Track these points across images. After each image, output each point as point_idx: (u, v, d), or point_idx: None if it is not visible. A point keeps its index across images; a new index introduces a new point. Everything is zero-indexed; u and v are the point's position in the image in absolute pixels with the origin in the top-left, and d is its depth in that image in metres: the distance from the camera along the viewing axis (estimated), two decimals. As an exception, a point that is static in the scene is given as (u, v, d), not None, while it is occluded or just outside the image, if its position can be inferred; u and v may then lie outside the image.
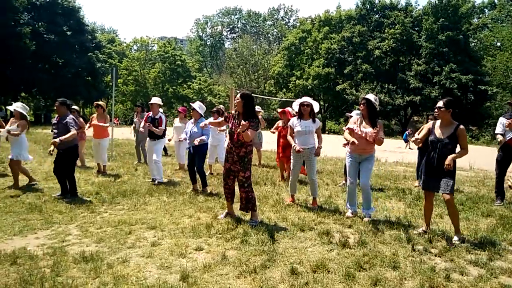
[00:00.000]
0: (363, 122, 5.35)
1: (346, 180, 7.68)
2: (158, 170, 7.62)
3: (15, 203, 5.90)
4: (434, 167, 4.50)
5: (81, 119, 9.38)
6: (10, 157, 7.05)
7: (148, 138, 7.91)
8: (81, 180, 7.71)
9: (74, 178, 6.41)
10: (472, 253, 4.09)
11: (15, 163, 6.99)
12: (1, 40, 26.67)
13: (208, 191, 6.93)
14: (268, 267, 3.64)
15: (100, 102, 9.06)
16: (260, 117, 8.56)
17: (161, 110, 8.02)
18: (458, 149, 4.53)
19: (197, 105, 6.99)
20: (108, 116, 9.24)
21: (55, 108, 6.51)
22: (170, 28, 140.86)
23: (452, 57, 33.85)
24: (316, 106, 6.02)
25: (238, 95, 4.96)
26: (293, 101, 7.12)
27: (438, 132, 4.55)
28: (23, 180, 7.30)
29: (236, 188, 5.23)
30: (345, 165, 7.79)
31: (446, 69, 32.96)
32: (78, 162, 9.19)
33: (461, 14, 35.28)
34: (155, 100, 7.81)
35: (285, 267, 3.64)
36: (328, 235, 4.56)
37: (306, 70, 39.83)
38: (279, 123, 8.25)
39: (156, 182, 7.55)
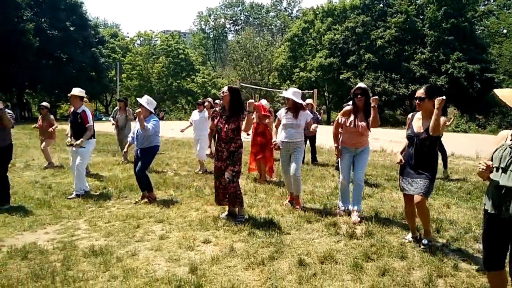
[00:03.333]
0: (358, 115, 4.89)
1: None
2: (80, 179, 6.24)
3: (24, 199, 5.95)
4: (411, 167, 3.91)
5: (51, 116, 9.29)
6: None
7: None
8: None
9: (7, 182, 5.64)
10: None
11: None
12: (5, 37, 26.68)
13: (155, 196, 5.98)
14: (276, 259, 3.66)
15: (44, 103, 8.83)
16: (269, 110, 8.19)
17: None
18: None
19: (144, 101, 5.87)
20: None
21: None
22: (173, 21, 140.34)
23: (457, 45, 33.44)
24: (294, 97, 5.33)
25: (225, 88, 4.84)
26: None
27: (416, 125, 3.92)
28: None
29: None
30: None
31: (453, 57, 32.60)
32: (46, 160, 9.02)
33: (465, 1, 34.77)
34: (76, 91, 6.35)
35: (292, 259, 3.66)
36: (335, 227, 4.57)
37: (309, 62, 39.61)
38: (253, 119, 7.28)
39: (74, 195, 6.12)
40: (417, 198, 3.81)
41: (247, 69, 45.04)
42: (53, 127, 9.11)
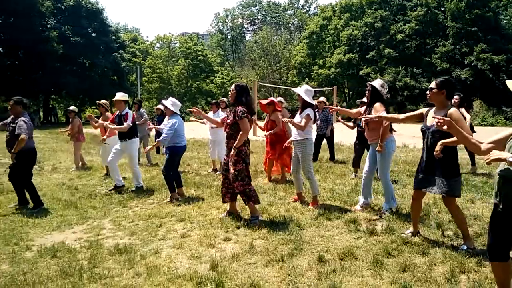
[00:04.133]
0: (367, 110, 5.04)
1: (355, 172, 7.55)
2: (136, 176, 6.87)
3: (51, 200, 6.19)
4: (424, 161, 3.86)
5: (77, 120, 9.44)
6: None
7: (118, 139, 6.94)
8: (108, 178, 7.97)
9: (32, 186, 5.77)
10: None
11: None
12: (31, 45, 27.68)
13: (176, 198, 6.05)
14: (295, 256, 3.69)
15: (102, 101, 8.56)
16: (284, 108, 8.17)
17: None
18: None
19: (169, 103, 6.22)
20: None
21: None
22: (191, 23, 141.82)
23: (482, 36, 32.45)
24: (304, 94, 5.32)
25: (233, 86, 4.85)
26: (317, 90, 6.76)
27: (429, 119, 3.84)
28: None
29: None
30: (353, 157, 7.64)
31: (477, 48, 31.66)
32: (74, 163, 9.32)
33: (489, -10, 33.72)
34: (119, 96, 6.95)
35: (312, 255, 3.68)
36: (355, 223, 4.56)
37: (328, 59, 39.29)
38: (266, 118, 7.32)
39: (123, 185, 6.84)
40: (444, 199, 3.83)
41: (266, 68, 45.02)
42: (79, 130, 9.31)
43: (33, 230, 4.77)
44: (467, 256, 3.51)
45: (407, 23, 35.62)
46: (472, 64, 31.81)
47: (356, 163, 7.57)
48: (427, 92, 3.90)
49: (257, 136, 14.93)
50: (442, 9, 35.75)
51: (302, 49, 43.11)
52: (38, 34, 28.44)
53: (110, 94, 35.12)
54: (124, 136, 6.76)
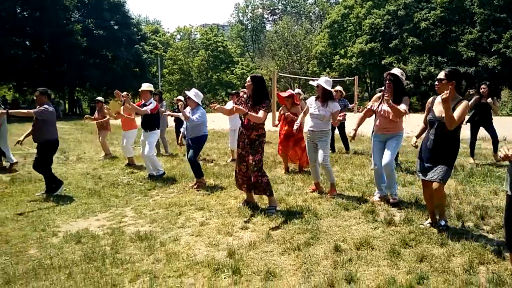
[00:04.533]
0: (384, 99, 4.81)
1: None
2: (153, 164, 7.08)
3: (76, 189, 6.41)
4: (429, 151, 3.86)
5: (104, 109, 9.67)
6: None
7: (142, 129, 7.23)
8: (133, 167, 8.18)
9: (51, 173, 6.07)
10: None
11: None
12: (56, 39, 28.39)
13: (203, 183, 6.30)
14: (312, 245, 3.71)
15: (124, 93, 8.33)
16: (301, 100, 8.17)
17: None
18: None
19: (193, 93, 6.34)
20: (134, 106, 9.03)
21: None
22: (211, 14, 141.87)
23: (511, 23, 31.17)
24: (325, 84, 5.29)
25: (249, 78, 4.83)
26: (337, 80, 6.63)
27: (438, 109, 3.83)
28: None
29: None
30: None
31: (506, 36, 30.43)
32: (102, 152, 9.68)
33: (520, -26, 32.23)
34: (145, 86, 7.28)
35: (328, 245, 3.70)
36: (373, 214, 4.54)
37: (350, 48, 38.66)
38: (281, 110, 7.27)
39: (154, 175, 7.03)
40: (435, 185, 3.82)
41: (286, 59, 44.74)
42: (106, 119, 9.56)
43: (59, 217, 4.96)
44: (487, 248, 3.46)
45: (432, 10, 34.54)
46: (500, 51, 30.63)
47: None
48: (436, 83, 3.87)
49: (276, 127, 14.90)
50: (469, -5, 34.48)
51: (323, 39, 42.54)
52: (63, 27, 29.09)
53: (132, 86, 35.85)
54: (147, 126, 7.03)
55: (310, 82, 5.63)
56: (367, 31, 37.30)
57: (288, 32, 44.55)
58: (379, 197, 5.12)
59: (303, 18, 54.74)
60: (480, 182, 5.97)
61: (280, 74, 31.50)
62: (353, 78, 26.44)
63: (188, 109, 6.39)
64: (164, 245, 3.85)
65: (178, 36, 55.80)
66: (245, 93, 8.45)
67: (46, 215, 5.02)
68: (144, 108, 6.94)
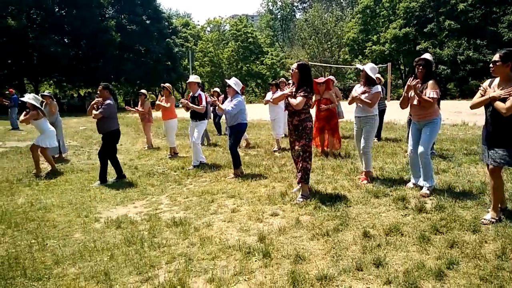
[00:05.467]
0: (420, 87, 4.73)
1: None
2: (196, 152, 7.33)
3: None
4: (490, 134, 3.81)
5: (148, 102, 10.21)
6: (34, 142, 7.49)
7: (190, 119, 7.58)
8: (168, 157, 8.48)
9: (116, 160, 6.66)
10: None
11: (35, 148, 7.30)
12: (92, 35, 29.46)
13: (240, 173, 6.44)
14: (341, 231, 3.77)
15: (166, 84, 8.99)
16: (335, 87, 8.27)
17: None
18: None
19: (233, 82, 6.53)
20: (174, 98, 9.29)
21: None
22: (241, 5, 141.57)
23: (558, 0, 29.22)
24: (370, 70, 5.41)
25: (294, 65, 4.89)
26: None
27: (492, 91, 3.77)
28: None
29: None
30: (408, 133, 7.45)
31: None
32: (145, 144, 10.14)
33: None
34: (193, 78, 7.54)
35: (357, 231, 3.74)
36: (404, 201, 4.52)
37: (382, 34, 37.57)
38: (316, 96, 7.36)
39: (196, 165, 7.29)
40: (490, 167, 3.80)
41: (316, 47, 44.08)
42: (146, 110, 10.01)
43: (100, 204, 5.28)
44: (522, 234, 3.39)
45: (470, -10, 32.88)
46: (547, 32, 28.81)
47: None
48: (491, 65, 3.79)
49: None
50: (512, -28, 32.48)
51: (355, 25, 41.51)
52: (98, 24, 30.08)
53: (164, 80, 36.60)
54: (196, 116, 7.37)
55: (357, 65, 5.73)
56: (402, 15, 36.04)
57: (318, 20, 43.82)
58: (413, 184, 5.10)
59: (333, 4, 53.60)
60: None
61: (310, 63, 31.16)
62: (386, 65, 25.78)
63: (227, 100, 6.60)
64: (198, 230, 4.04)
65: (208, 29, 56.22)
66: (282, 83, 8.68)
67: (88, 203, 5.34)
68: (201, 106, 7.21)
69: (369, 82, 5.48)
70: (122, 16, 34.63)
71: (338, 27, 44.25)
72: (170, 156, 8.60)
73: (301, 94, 4.72)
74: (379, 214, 4.18)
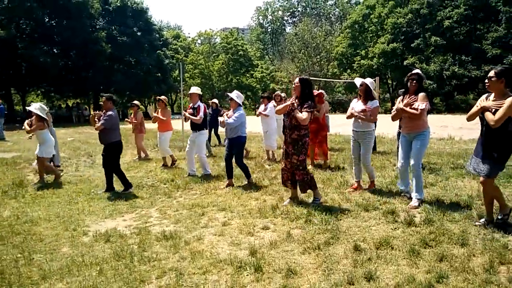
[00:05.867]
0: (405, 98, 4.98)
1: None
2: (203, 164, 7.59)
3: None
4: (482, 147, 4.01)
5: (140, 113, 10.21)
6: (35, 153, 7.53)
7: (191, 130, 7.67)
8: (157, 169, 8.43)
9: (121, 172, 6.65)
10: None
11: (40, 160, 7.33)
12: (82, 46, 29.36)
13: (253, 181, 6.67)
14: (332, 244, 3.79)
15: (162, 97, 9.23)
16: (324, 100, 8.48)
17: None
18: None
19: (235, 95, 6.73)
20: (170, 110, 9.49)
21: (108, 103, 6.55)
22: (231, 18, 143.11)
23: (538, 20, 30.18)
24: (370, 84, 5.60)
25: (297, 79, 5.08)
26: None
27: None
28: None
29: None
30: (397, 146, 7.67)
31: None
32: (142, 154, 10.08)
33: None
34: (194, 89, 7.73)
35: (348, 244, 3.76)
36: (393, 214, 4.56)
37: (371, 49, 38.25)
38: None
39: (195, 174, 7.56)
40: (481, 179, 4.04)
41: (306, 61, 44.65)
42: (139, 121, 9.95)
43: (88, 217, 5.20)
44: (508, 248, 3.45)
45: (455, 8, 33.86)
46: (527, 49, 29.68)
47: None
48: (486, 81, 3.99)
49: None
50: (495, -8, 33.56)
51: (344, 40, 42.24)
52: (88, 34, 30.02)
53: (154, 91, 36.50)
54: (195, 127, 7.47)
55: (356, 80, 5.92)
56: (389, 30, 36.81)
57: (308, 34, 44.47)
58: (403, 191, 5.32)
59: (323, 19, 54.51)
60: (504, 183, 5.88)
61: (299, 77, 31.49)
62: (374, 79, 26.15)
63: (230, 112, 6.75)
64: (188, 243, 4.01)
65: (199, 41, 56.52)
66: (281, 96, 8.81)
67: (76, 216, 5.27)
68: (198, 117, 7.31)
69: (369, 96, 5.61)
70: (113, 27, 34.66)
71: (327, 41, 44.96)
72: (163, 166, 8.72)
73: (307, 109, 4.87)
74: (369, 228, 4.21)
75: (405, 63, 35.08)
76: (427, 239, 3.75)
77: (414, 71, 5.01)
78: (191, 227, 4.58)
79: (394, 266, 3.27)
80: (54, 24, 30.72)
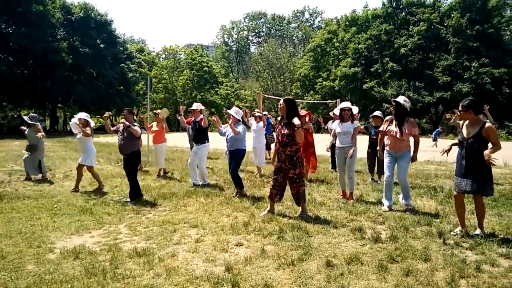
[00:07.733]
0: (393, 122, 5.93)
1: (372, 176, 8.56)
2: (202, 175, 8.09)
3: (67, 206, 6.43)
4: (463, 167, 4.56)
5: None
6: (79, 161, 7.85)
7: (194, 142, 8.18)
8: (123, 184, 8.25)
9: (136, 181, 6.97)
10: (503, 247, 4.19)
11: (80, 168, 7.79)
12: (41, 55, 28.33)
13: (245, 193, 7.12)
14: (305, 260, 3.91)
15: (158, 111, 9.72)
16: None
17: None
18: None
19: (233, 111, 7.11)
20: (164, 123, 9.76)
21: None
22: (196, 35, 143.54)
23: (484, 51, 32.88)
24: (355, 110, 6.72)
25: (282, 100, 5.45)
26: (320, 103, 7.74)
27: (465, 131, 4.61)
28: (93, 184, 7.87)
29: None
30: (369, 164, 8.67)
31: (474, 64, 32.00)
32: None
33: (491, 7, 34.23)
34: (195, 106, 8.25)
35: (320, 260, 3.90)
36: (361, 231, 4.78)
37: (333, 71, 39.78)
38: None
39: (199, 184, 8.01)
40: (475, 196, 4.61)
41: (270, 80, 45.61)
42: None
43: (53, 233, 5.00)
44: (467, 263, 3.73)
45: (410, 37, 36.20)
46: (473, 78, 32.14)
47: (372, 168, 8.60)
48: (459, 109, 4.61)
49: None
50: (445, 24, 36.29)
51: (307, 62, 43.67)
52: (49, 44, 29.07)
53: (116, 104, 35.63)
54: (198, 140, 7.90)
55: (340, 106, 6.71)
56: (351, 55, 38.55)
57: (272, 55, 45.61)
58: (388, 207, 5.86)
59: (286, 41, 56.13)
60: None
61: (264, 95, 32.06)
62: (335, 101, 27.15)
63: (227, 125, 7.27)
64: (162, 260, 3.97)
65: (163, 55, 56.19)
66: (257, 117, 9.18)
67: (40, 232, 5.05)
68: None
69: (351, 116, 6.54)
70: (75, 38, 33.81)
71: (291, 63, 46.32)
72: (158, 176, 9.18)
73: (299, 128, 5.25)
74: (339, 244, 4.39)
75: (364, 86, 36.77)
76: (393, 255, 3.97)
77: (395, 99, 5.92)
78: (164, 244, 4.54)
79: (365, 281, 3.43)
80: (11, 31, 29.46)
